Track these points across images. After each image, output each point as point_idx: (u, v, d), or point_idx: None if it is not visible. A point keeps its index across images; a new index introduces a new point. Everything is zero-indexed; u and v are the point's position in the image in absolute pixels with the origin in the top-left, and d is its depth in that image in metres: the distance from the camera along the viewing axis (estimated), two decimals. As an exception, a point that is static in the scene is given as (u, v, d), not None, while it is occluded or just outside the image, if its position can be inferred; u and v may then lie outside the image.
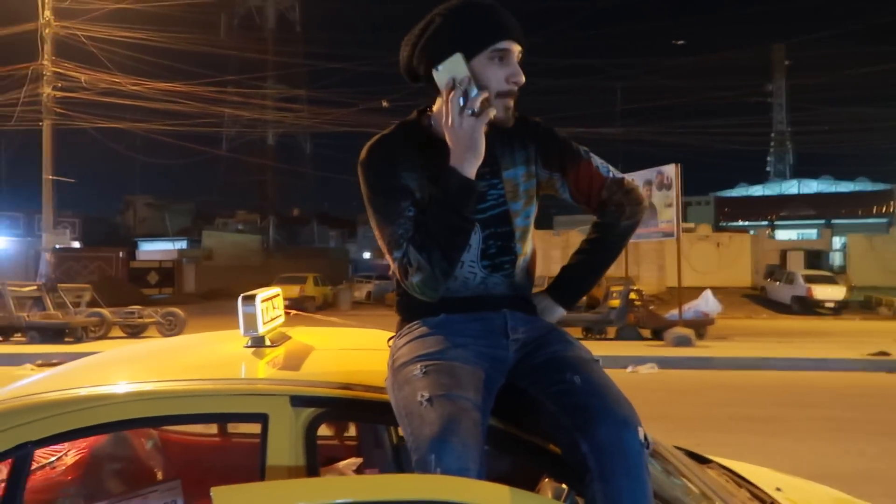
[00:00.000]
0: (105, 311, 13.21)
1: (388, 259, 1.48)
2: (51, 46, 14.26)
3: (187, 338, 2.35)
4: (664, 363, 10.02)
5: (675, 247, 12.92)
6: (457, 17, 1.44)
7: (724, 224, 50.47)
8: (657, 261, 27.00)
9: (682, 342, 11.27)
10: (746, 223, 52.77)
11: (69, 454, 2.21)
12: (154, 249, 39.61)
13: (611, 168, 1.60)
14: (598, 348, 10.12)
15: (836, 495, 2.39)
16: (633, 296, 12.66)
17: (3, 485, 1.48)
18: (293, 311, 2.17)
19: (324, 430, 2.02)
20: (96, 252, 29.63)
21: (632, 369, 9.54)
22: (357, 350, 1.98)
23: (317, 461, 1.46)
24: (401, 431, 1.34)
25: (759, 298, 25.69)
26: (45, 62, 14.12)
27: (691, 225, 33.96)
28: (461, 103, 1.35)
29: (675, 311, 12.77)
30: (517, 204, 1.54)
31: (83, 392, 1.52)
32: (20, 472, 1.44)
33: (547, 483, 1.60)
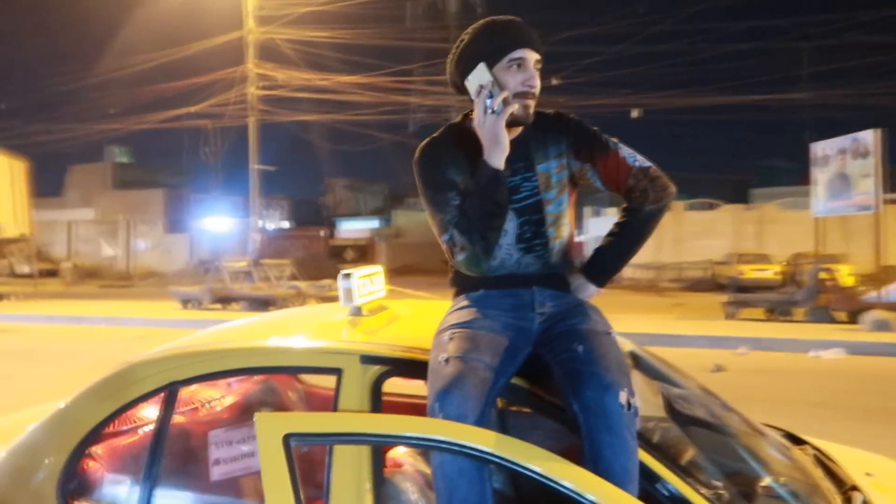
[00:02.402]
0: (302, 284, 14.82)
1: (440, 241, 1.74)
2: (254, 51, 16.28)
3: (309, 307, 2.79)
4: (855, 349, 9.14)
5: (889, 222, 11.57)
6: (480, 34, 1.68)
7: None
8: (871, 237, 24.11)
9: (881, 327, 10.16)
10: None
11: (227, 398, 2.76)
12: (351, 228, 42.89)
13: (638, 157, 1.73)
14: (777, 330, 9.53)
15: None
16: (824, 275, 11.60)
17: (158, 413, 1.98)
18: (391, 287, 2.52)
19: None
20: (301, 231, 32.91)
21: (813, 354, 8.84)
22: (433, 320, 2.28)
23: (380, 410, 1.76)
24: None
25: None
26: (250, 65, 16.20)
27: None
28: (486, 105, 1.58)
29: (875, 293, 11.50)
30: (549, 193, 1.73)
31: (211, 346, 1.98)
32: (170, 403, 1.92)
33: None
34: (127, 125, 20.95)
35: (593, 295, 1.80)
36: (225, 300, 14.21)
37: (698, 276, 23.76)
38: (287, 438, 1.29)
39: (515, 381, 1.68)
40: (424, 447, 1.34)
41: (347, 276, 2.22)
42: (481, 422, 1.42)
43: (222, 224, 32.22)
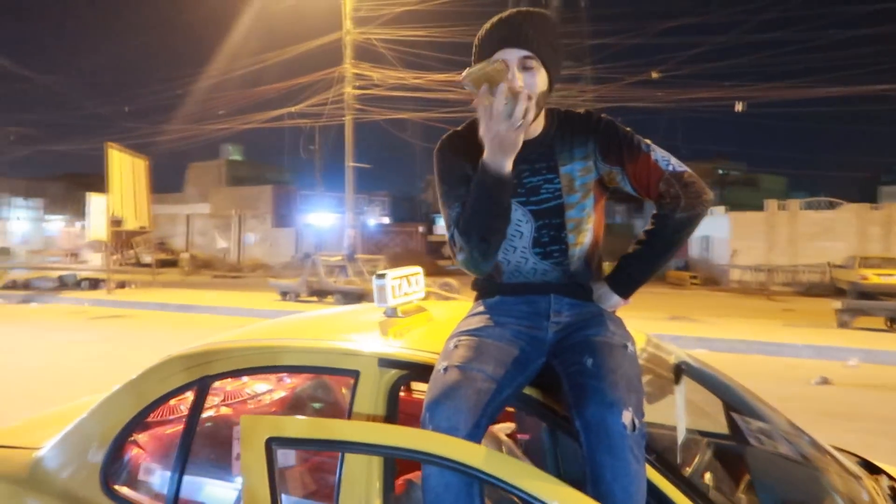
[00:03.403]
0: (393, 280, 15.02)
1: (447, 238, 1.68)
2: (351, 51, 16.74)
3: (349, 307, 2.80)
4: None
5: None
6: (479, 37, 1.59)
7: None
8: None
9: None
10: None
11: (277, 392, 2.82)
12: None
13: (672, 161, 1.59)
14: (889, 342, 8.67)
15: None
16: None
17: (190, 404, 2.03)
18: (430, 290, 2.48)
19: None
20: (399, 227, 33.52)
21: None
22: None
23: (396, 415, 1.73)
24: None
25: None
26: (347, 65, 16.68)
27: None
28: (505, 112, 1.39)
29: None
30: (572, 197, 1.62)
31: (240, 343, 2.01)
32: (201, 396, 1.98)
33: None
34: (234, 124, 22.09)
35: (617, 306, 1.68)
36: (320, 293, 14.68)
37: (814, 280, 22.19)
38: (270, 442, 1.28)
39: (529, 392, 1.60)
40: (409, 459, 1.29)
41: (381, 276, 2.19)
42: (474, 435, 1.36)
43: (325, 219, 33.39)
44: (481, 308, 1.68)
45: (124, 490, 1.99)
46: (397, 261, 17.61)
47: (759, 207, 25.00)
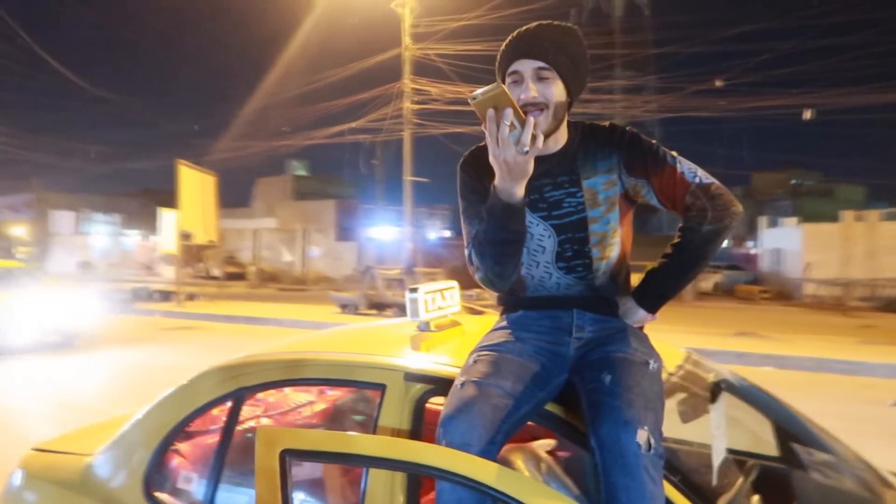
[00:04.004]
0: (450, 293, 15.08)
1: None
2: (409, 67, 17.01)
3: (385, 321, 2.81)
4: None
5: None
6: (501, 50, 1.59)
7: None
8: None
9: None
10: None
11: (319, 403, 2.86)
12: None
13: (699, 173, 1.55)
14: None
15: None
16: None
17: (227, 416, 2.09)
18: (464, 304, 2.48)
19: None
20: (459, 241, 33.41)
21: None
22: None
23: (421, 429, 1.73)
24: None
25: None
26: (406, 80, 16.95)
27: None
28: (511, 139, 1.34)
29: None
30: (596, 211, 1.59)
31: (275, 357, 2.06)
32: (237, 406, 2.03)
33: None
34: (297, 141, 22.73)
35: (644, 321, 1.64)
36: (379, 306, 14.85)
37: (895, 295, 21.02)
38: (284, 454, 1.30)
39: (551, 408, 1.57)
40: (421, 474, 1.29)
41: (414, 290, 2.21)
42: (488, 451, 1.34)
43: (387, 233, 33.82)
44: (504, 323, 1.67)
45: (164, 497, 2.06)
46: (456, 274, 17.55)
47: (836, 219, 23.92)
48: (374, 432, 1.72)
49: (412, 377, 1.76)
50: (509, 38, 1.58)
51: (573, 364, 1.56)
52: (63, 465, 2.32)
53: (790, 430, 2.24)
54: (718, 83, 16.44)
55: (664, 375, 1.86)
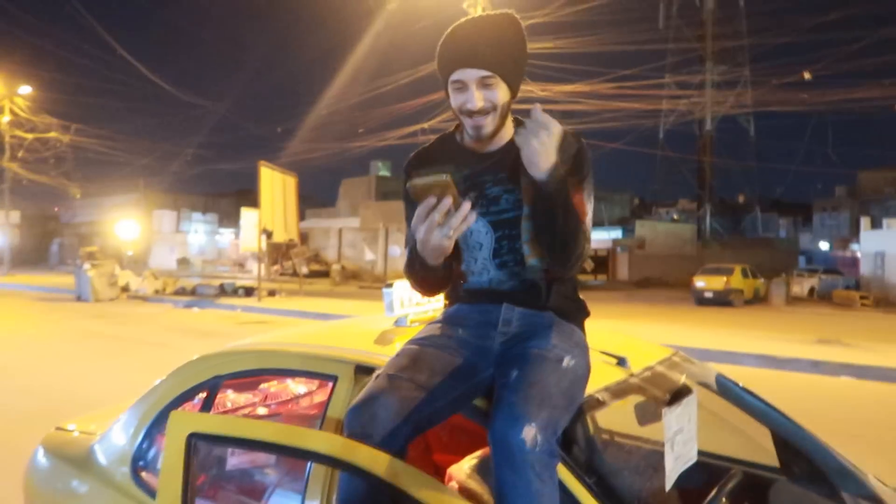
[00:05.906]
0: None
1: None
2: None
3: (361, 317, 2.83)
4: None
5: None
6: (438, 50, 1.56)
7: None
8: None
9: None
10: None
11: (318, 394, 2.93)
12: (593, 238, 42.21)
13: (587, 216, 1.56)
14: None
15: None
16: None
17: (203, 402, 2.18)
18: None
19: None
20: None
21: None
22: None
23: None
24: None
25: None
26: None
27: None
28: (433, 220, 1.36)
29: None
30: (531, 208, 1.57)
31: (246, 347, 2.13)
32: (213, 394, 2.12)
33: None
34: (371, 142, 23.21)
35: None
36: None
37: None
38: (191, 438, 1.35)
39: (480, 402, 1.56)
40: (320, 463, 1.31)
41: (389, 286, 2.24)
42: (390, 443, 1.35)
43: (465, 232, 33.91)
44: (439, 317, 1.67)
45: (150, 478, 2.17)
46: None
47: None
48: (322, 422, 1.76)
49: (364, 369, 1.78)
50: (445, 41, 1.54)
51: (496, 358, 1.54)
52: (74, 444, 2.49)
53: (781, 435, 2.12)
54: (807, 76, 15.53)
55: (622, 375, 1.81)
